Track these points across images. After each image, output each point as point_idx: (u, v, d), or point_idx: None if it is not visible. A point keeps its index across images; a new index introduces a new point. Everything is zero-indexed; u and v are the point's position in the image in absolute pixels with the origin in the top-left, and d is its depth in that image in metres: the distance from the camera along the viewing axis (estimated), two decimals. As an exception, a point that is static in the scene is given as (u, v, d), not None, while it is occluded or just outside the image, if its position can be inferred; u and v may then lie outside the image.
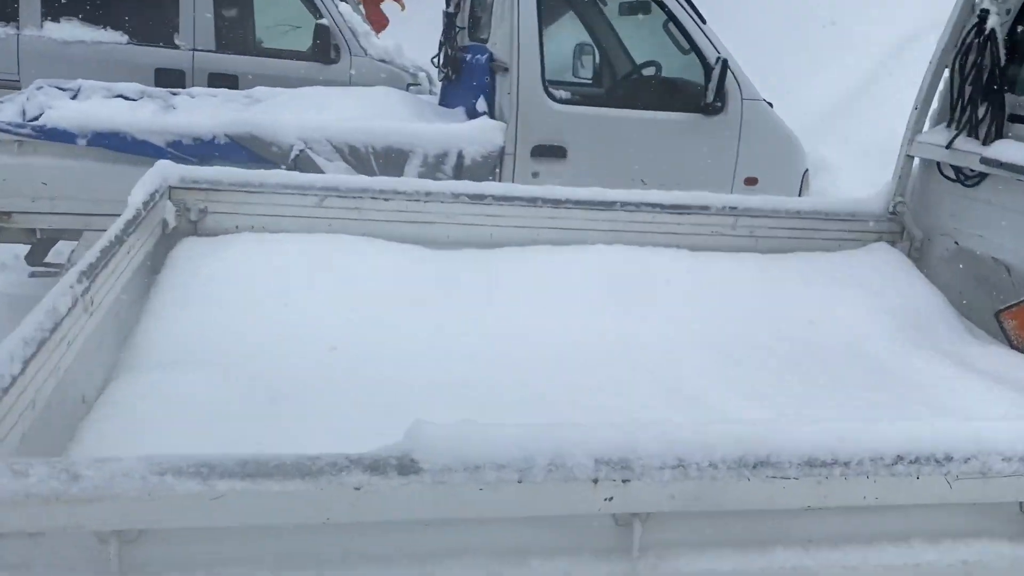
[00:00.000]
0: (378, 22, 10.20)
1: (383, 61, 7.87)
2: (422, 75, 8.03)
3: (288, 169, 5.09)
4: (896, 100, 7.48)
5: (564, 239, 3.69)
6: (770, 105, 5.67)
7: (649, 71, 5.88)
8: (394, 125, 5.39)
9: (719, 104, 5.46)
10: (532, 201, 3.68)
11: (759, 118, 5.60)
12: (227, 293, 3.10)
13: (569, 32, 6.04)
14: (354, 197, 3.57)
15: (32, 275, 5.42)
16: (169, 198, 3.41)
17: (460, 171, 5.34)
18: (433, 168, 5.31)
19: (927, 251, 3.87)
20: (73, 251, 5.25)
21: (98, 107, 5.43)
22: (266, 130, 5.14)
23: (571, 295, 3.42)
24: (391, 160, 5.28)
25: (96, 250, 2.48)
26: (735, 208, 3.78)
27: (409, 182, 3.64)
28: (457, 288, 3.39)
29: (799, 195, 5.78)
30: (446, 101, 6.57)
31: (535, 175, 5.47)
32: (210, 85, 7.39)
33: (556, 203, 3.69)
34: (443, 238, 3.66)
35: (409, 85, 7.81)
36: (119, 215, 5.11)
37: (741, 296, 3.50)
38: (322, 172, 5.13)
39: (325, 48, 7.65)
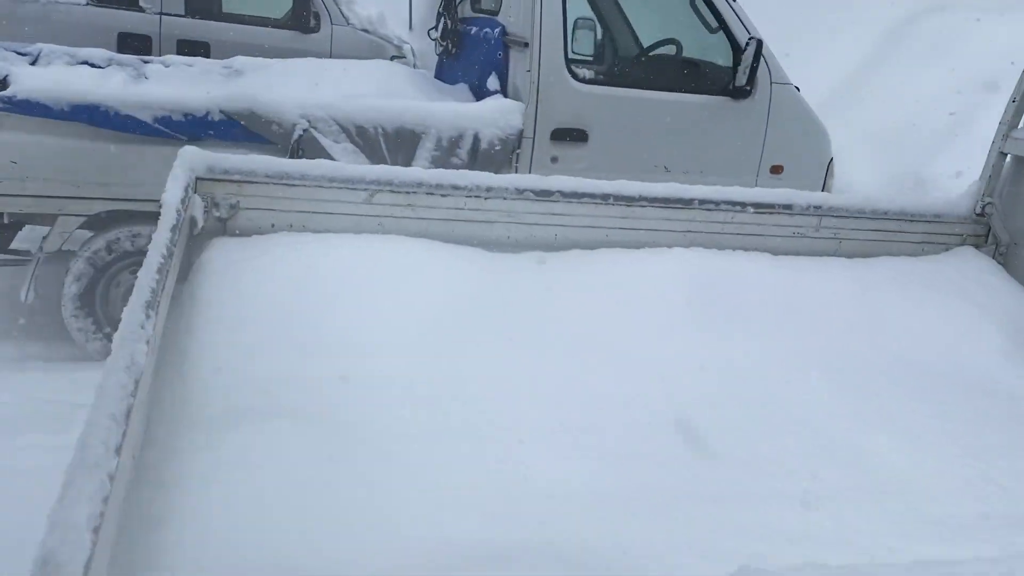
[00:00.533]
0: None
1: (365, 31, 7.24)
2: (406, 47, 7.42)
3: (291, 150, 4.53)
4: (897, 83, 7.20)
5: (636, 240, 3.24)
6: (797, 90, 5.28)
7: (672, 51, 5.41)
8: (406, 104, 4.82)
9: (748, 88, 5.04)
10: (603, 198, 3.21)
11: (788, 103, 5.20)
12: (276, 313, 2.57)
13: (589, 7, 5.52)
14: (407, 192, 3.05)
15: (-4, 264, 4.73)
16: (195, 191, 2.84)
17: (476, 155, 4.82)
18: (447, 152, 4.78)
19: (1013, 255, 3.52)
20: (45, 238, 4.59)
21: (74, 76, 4.72)
22: (267, 107, 4.52)
23: (654, 309, 2.97)
24: (402, 142, 4.73)
25: (152, 271, 1.93)
26: (819, 207, 3.37)
27: (469, 176, 3.12)
28: (528, 302, 2.91)
29: (823, 186, 5.42)
30: (444, 76, 6.01)
31: (554, 160, 4.98)
32: (179, 53, 6.68)
33: (629, 201, 3.23)
34: (503, 239, 3.17)
35: (393, 57, 7.21)
36: (101, 199, 4.53)
37: (838, 308, 3.10)
38: (327, 154, 4.58)
39: (304, 16, 6.99)
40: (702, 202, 3.28)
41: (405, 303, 2.77)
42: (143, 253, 4.55)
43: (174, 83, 5.34)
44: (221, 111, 4.49)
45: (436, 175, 3.09)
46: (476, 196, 3.10)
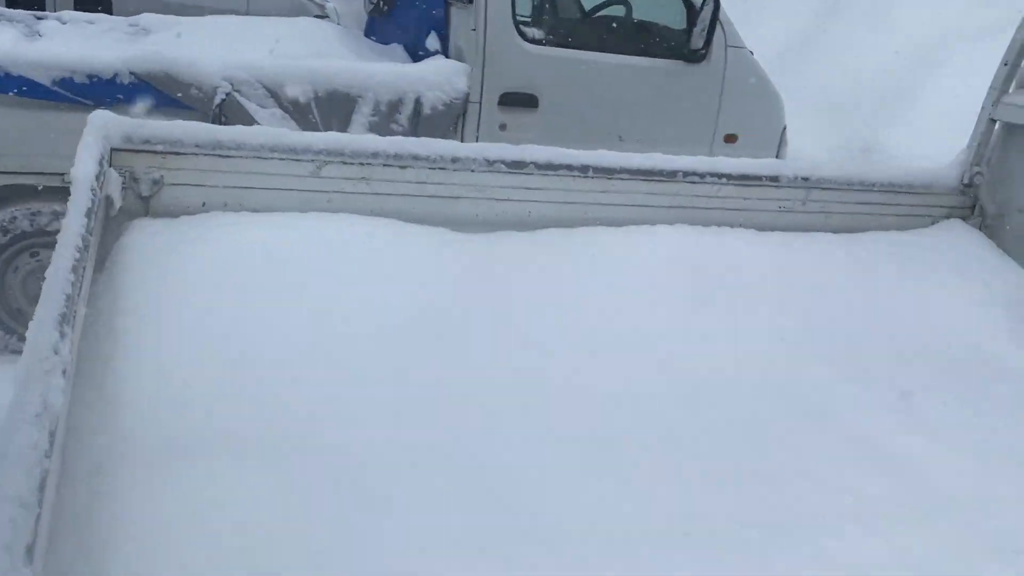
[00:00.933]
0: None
1: (285, -12, 6.64)
2: (330, 6, 6.85)
3: (213, 116, 4.01)
4: (840, 48, 7.00)
5: (617, 217, 2.88)
6: (752, 54, 4.99)
7: (622, 12, 5.05)
8: (340, 65, 4.34)
9: (704, 51, 4.72)
10: (582, 170, 2.84)
11: (743, 68, 4.91)
12: (215, 311, 2.12)
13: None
14: (361, 164, 2.62)
15: None
16: (111, 164, 2.35)
17: (417, 121, 4.39)
18: (386, 117, 4.33)
19: (998, 228, 3.31)
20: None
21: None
22: (184, 68, 3.98)
23: (646, 296, 2.63)
24: (336, 106, 4.26)
25: (65, 271, 1.47)
26: (807, 180, 3.08)
27: (433, 145, 2.70)
28: (507, 290, 2.53)
29: (777, 154, 5.17)
30: (376, 35, 5.51)
31: (502, 127, 4.58)
32: (77, 8, 6.00)
33: (609, 173, 2.87)
34: (471, 217, 2.78)
35: (316, 16, 6.64)
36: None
37: (838, 291, 2.82)
38: (253, 120, 4.08)
39: (218, -30, 6.36)
40: (686, 174, 2.94)
41: (367, 297, 2.35)
42: (45, 233, 4.04)
43: (73, 41, 4.74)
44: (132, 73, 3.93)
45: (394, 144, 2.66)
46: (440, 168, 2.69)
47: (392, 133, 4.31)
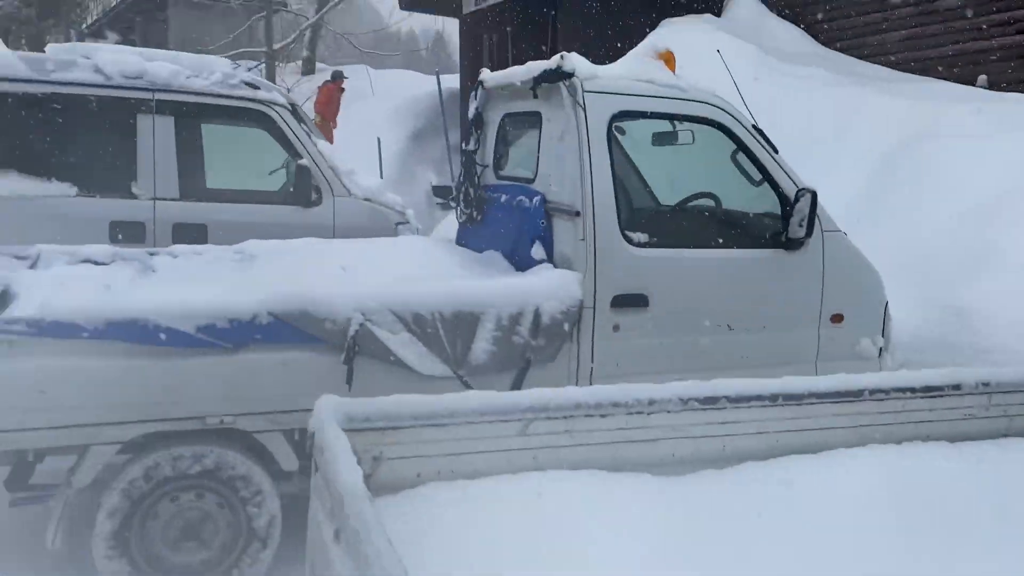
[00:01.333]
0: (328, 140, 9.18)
1: (367, 200, 6.83)
2: (410, 212, 7.02)
3: (347, 349, 4.00)
4: (900, 210, 7.05)
5: (809, 443, 2.78)
6: (845, 235, 5.02)
7: (715, 205, 5.13)
8: (460, 285, 4.37)
9: (801, 239, 4.75)
10: (772, 399, 2.76)
11: (840, 250, 4.93)
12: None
13: (634, 171, 5.23)
14: (565, 417, 2.55)
15: (13, 503, 3.99)
16: (335, 449, 2.28)
17: (537, 330, 4.37)
18: (508, 330, 4.31)
19: None
20: (73, 471, 3.85)
21: (105, 291, 4.15)
22: (320, 304, 3.99)
23: (849, 526, 2.51)
24: (461, 325, 4.25)
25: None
26: (988, 384, 2.99)
27: (629, 391, 2.65)
28: (707, 535, 2.42)
29: (882, 330, 5.11)
30: (468, 244, 5.60)
31: (616, 328, 4.56)
32: (175, 237, 6.15)
33: (798, 399, 2.79)
34: (668, 457, 2.68)
35: (398, 224, 6.79)
36: (138, 422, 3.86)
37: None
38: (385, 347, 4.07)
39: (305, 191, 6.53)
40: (872, 392, 2.86)
41: (587, 558, 2.24)
42: (185, 477, 3.95)
43: (192, 277, 4.81)
44: (269, 313, 3.95)
45: (594, 393, 2.60)
46: (638, 412, 2.62)
47: (514, 345, 4.31)
